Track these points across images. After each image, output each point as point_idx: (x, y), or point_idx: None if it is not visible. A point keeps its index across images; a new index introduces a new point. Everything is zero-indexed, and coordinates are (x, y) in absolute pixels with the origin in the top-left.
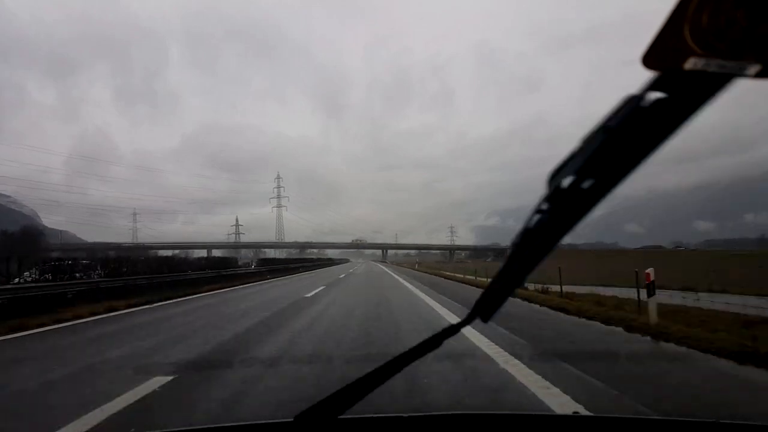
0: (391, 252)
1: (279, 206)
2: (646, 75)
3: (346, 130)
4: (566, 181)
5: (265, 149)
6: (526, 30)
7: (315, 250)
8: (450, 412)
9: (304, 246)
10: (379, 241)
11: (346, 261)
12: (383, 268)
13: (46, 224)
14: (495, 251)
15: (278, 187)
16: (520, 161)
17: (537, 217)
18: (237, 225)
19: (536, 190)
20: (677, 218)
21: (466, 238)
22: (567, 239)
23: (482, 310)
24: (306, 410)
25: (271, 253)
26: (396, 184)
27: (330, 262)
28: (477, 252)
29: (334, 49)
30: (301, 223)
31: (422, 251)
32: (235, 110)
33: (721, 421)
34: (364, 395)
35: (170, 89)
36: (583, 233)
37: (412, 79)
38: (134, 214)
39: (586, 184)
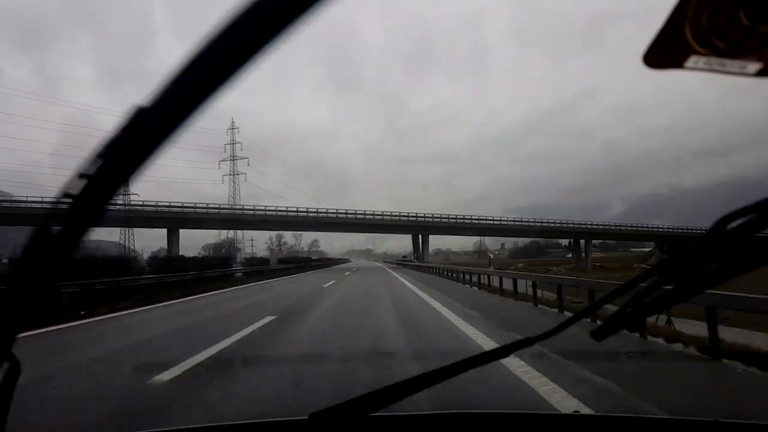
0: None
1: (234, 173)
2: None
3: (356, 116)
4: None
5: (265, 135)
6: None
7: (305, 247)
8: (448, 411)
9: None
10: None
11: (345, 261)
12: None
13: None
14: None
15: (232, 143)
16: (542, 155)
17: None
18: (128, 194)
19: (555, 186)
20: (704, 215)
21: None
22: None
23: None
24: (323, 410)
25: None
26: (409, 179)
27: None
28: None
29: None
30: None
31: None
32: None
33: (720, 420)
34: (392, 402)
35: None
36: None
37: (433, 46)
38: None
39: None
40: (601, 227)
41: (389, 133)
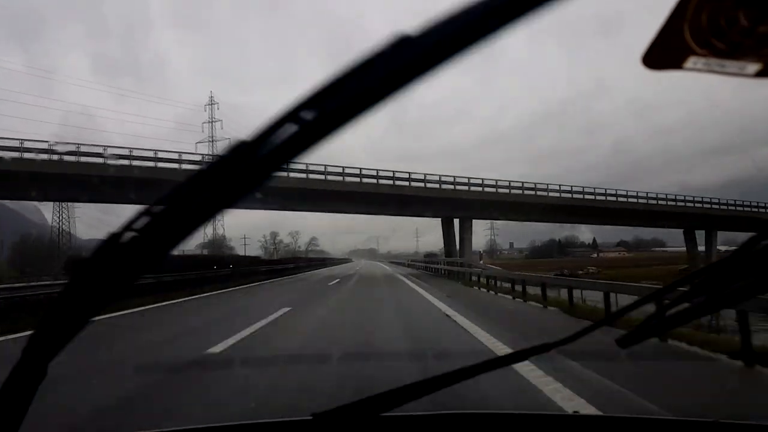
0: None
1: (213, 156)
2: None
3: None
4: None
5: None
6: None
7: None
8: (449, 412)
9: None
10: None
11: (346, 261)
12: None
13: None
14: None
15: (211, 121)
16: (552, 151)
17: None
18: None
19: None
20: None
21: (482, 239)
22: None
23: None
24: (327, 411)
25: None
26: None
27: None
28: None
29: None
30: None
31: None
32: (229, 83)
33: (720, 420)
34: (400, 404)
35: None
36: (613, 232)
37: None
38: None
39: None
40: (731, 209)
41: (394, 127)
